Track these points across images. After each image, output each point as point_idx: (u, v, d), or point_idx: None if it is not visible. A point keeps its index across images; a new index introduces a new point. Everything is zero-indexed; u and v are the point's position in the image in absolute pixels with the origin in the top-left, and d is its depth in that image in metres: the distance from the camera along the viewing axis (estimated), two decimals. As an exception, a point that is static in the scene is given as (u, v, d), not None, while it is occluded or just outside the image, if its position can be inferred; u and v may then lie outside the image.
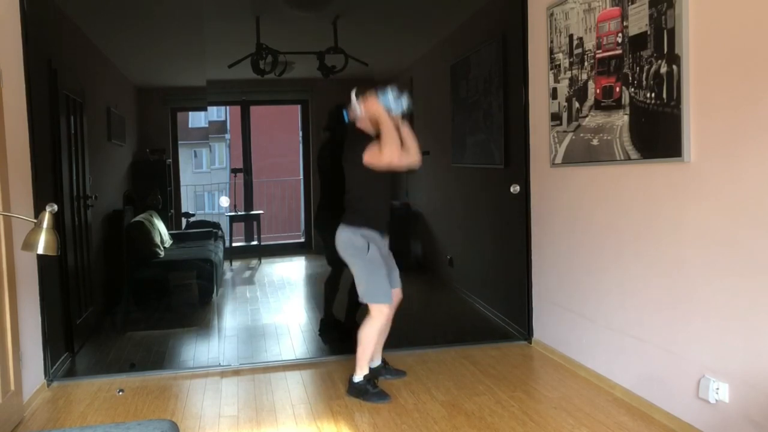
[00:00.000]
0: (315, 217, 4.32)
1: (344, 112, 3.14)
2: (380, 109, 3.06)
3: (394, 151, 3.02)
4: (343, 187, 3.26)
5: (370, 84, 3.20)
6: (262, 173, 4.43)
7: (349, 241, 3.13)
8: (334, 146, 3.64)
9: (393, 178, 3.31)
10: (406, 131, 3.24)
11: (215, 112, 4.25)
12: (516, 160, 3.99)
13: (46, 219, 1.97)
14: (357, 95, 3.16)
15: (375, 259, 3.11)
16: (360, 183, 3.18)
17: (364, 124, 3.16)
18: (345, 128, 3.35)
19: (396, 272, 3.31)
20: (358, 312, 3.54)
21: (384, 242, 3.25)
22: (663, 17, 2.68)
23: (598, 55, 3.17)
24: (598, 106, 3.18)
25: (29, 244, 1.95)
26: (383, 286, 3.11)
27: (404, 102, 3.13)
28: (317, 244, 4.38)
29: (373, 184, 3.17)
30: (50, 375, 3.49)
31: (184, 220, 4.28)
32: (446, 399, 3.13)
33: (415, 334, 4.20)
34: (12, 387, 2.88)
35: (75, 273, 3.79)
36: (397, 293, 3.29)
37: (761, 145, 2.26)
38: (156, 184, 4.18)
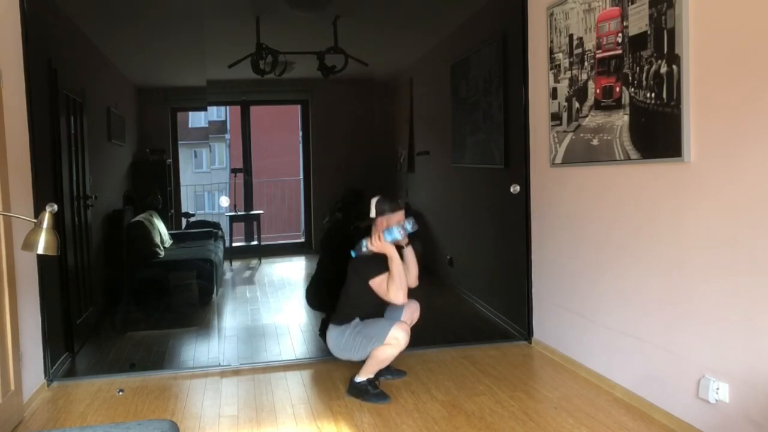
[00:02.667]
0: (307, 291, 4.38)
1: (352, 252, 3.18)
2: (388, 248, 3.08)
3: (400, 293, 3.06)
4: (342, 273, 3.29)
5: (390, 199, 3.22)
6: (262, 173, 4.42)
7: (338, 338, 3.18)
8: (344, 233, 3.70)
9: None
10: (410, 253, 3.31)
11: (215, 112, 4.25)
12: (516, 160, 3.99)
13: (46, 219, 1.97)
14: (377, 208, 3.18)
15: (368, 324, 3.14)
16: (358, 294, 3.20)
17: (376, 246, 3.13)
18: (357, 215, 3.41)
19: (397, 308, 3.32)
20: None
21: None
22: (663, 17, 2.68)
23: (598, 55, 3.17)
24: (598, 106, 3.18)
25: (29, 244, 1.95)
26: (381, 325, 3.11)
27: (409, 225, 3.16)
28: (317, 244, 4.38)
29: (370, 301, 3.18)
30: (50, 375, 3.49)
31: (184, 220, 4.28)
32: (446, 399, 3.13)
33: (415, 334, 4.18)
34: (12, 387, 2.88)
35: (75, 273, 3.79)
36: (408, 312, 3.32)
37: (761, 145, 2.26)
38: (156, 184, 4.18)
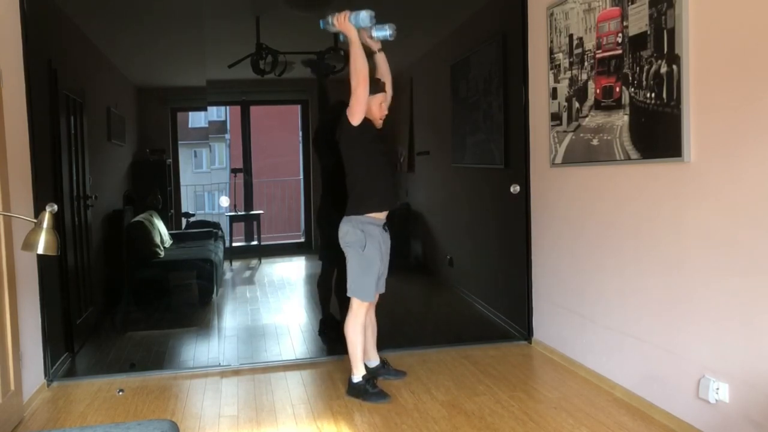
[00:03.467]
0: (317, 212, 4.32)
1: (321, 22, 3.11)
2: (350, 28, 3.02)
3: (360, 77, 2.97)
4: (342, 181, 3.26)
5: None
6: (262, 173, 4.42)
7: (348, 233, 3.15)
8: (331, 135, 3.65)
9: (393, 178, 3.31)
10: (382, 59, 3.23)
11: (215, 112, 4.25)
12: (516, 160, 3.99)
13: (46, 219, 1.97)
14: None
15: (369, 259, 3.13)
16: (357, 163, 3.17)
17: (340, 24, 3.10)
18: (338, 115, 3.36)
19: (384, 276, 3.32)
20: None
21: (385, 238, 3.24)
22: (663, 17, 2.68)
23: (598, 55, 3.17)
24: (598, 106, 3.18)
25: (29, 244, 1.95)
26: (369, 286, 3.15)
27: (388, 30, 3.09)
28: (317, 244, 4.38)
29: (370, 162, 3.16)
30: (50, 375, 3.49)
31: (184, 220, 4.28)
32: (446, 399, 3.13)
33: (415, 334, 4.20)
34: (12, 387, 2.88)
35: (75, 273, 3.79)
36: (376, 296, 3.32)
37: (761, 145, 2.26)
38: (156, 184, 4.17)
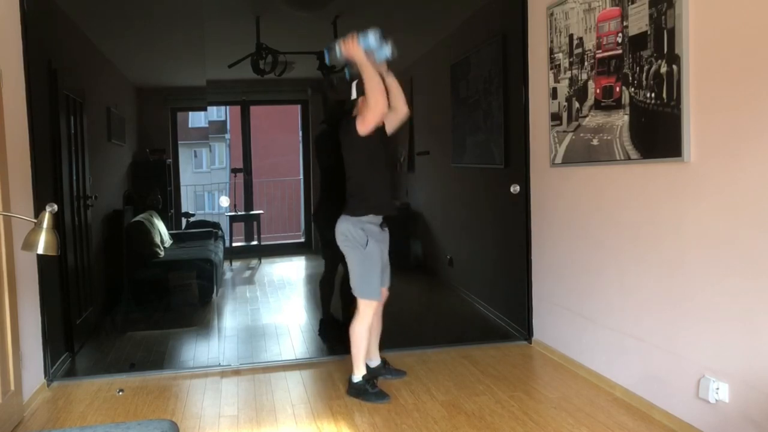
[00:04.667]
0: (315, 212, 4.32)
1: (326, 53, 3.02)
2: (360, 53, 2.95)
3: (379, 96, 2.92)
4: (342, 182, 3.26)
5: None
6: (262, 173, 4.42)
7: (348, 232, 3.13)
8: (332, 138, 3.64)
9: (393, 176, 3.31)
10: (392, 80, 3.17)
11: (215, 112, 4.25)
12: (516, 160, 3.99)
13: (46, 219, 1.97)
14: (357, 88, 3.11)
15: (371, 256, 3.12)
16: (360, 167, 3.16)
17: (348, 50, 3.03)
18: (341, 117, 3.35)
19: (388, 271, 3.31)
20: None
21: (384, 236, 3.24)
22: (663, 17, 2.68)
23: (598, 55, 3.17)
24: (598, 106, 3.18)
25: (29, 244, 1.95)
26: (374, 284, 3.14)
27: (388, 49, 3.01)
28: (317, 244, 4.38)
29: (373, 167, 3.15)
30: (50, 375, 3.49)
31: (184, 220, 4.27)
32: (446, 399, 3.13)
33: (415, 334, 4.20)
34: (12, 387, 2.88)
35: (75, 273, 3.79)
36: (384, 292, 3.32)
37: (761, 145, 2.26)
38: (156, 184, 4.17)
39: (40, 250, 1.95)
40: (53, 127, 3.58)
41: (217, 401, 3.22)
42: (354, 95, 3.14)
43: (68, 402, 3.24)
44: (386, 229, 3.26)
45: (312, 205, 4.34)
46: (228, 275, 4.39)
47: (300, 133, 4.46)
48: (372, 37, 2.96)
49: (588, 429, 2.75)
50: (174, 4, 3.94)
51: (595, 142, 3.21)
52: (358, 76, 3.09)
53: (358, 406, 3.08)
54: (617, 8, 3.00)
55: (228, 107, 4.36)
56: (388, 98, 3.07)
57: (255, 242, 4.50)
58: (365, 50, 2.97)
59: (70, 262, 3.71)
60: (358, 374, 3.18)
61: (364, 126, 3.04)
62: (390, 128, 3.29)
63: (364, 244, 3.10)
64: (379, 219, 3.20)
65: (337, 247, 3.22)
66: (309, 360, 3.82)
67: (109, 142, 4.05)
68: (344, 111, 3.26)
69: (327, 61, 3.04)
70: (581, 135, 3.33)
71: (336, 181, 3.36)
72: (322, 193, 4.16)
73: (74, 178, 3.77)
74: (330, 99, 3.34)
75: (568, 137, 3.45)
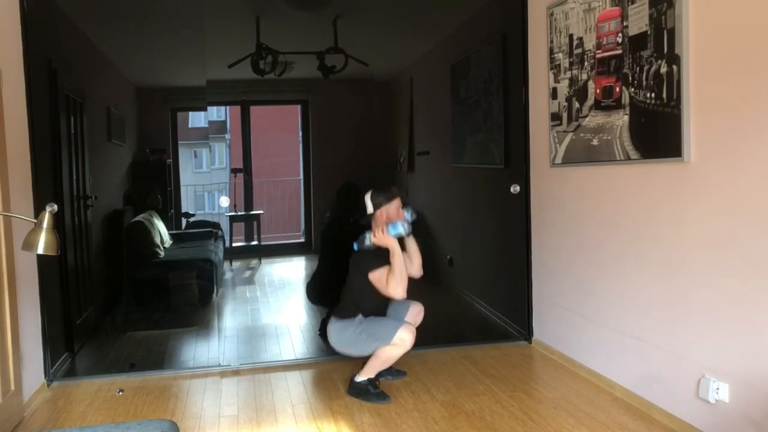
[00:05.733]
0: (308, 286, 4.38)
1: (355, 245, 3.15)
2: (391, 242, 3.06)
3: (399, 287, 3.03)
4: (342, 268, 3.28)
5: (383, 188, 3.20)
6: (262, 173, 4.42)
7: (341, 333, 3.17)
8: (341, 230, 3.71)
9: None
10: (412, 244, 3.27)
11: (215, 112, 4.25)
12: (516, 160, 3.99)
13: (46, 219, 1.97)
14: (372, 201, 3.16)
15: (369, 319, 3.14)
16: (359, 289, 3.18)
17: (379, 240, 3.09)
18: (354, 211, 3.39)
19: (402, 301, 3.30)
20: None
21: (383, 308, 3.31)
22: (663, 17, 2.68)
23: (598, 55, 3.17)
24: (598, 106, 3.19)
25: (29, 244, 1.96)
26: (387, 326, 3.10)
27: (408, 214, 3.15)
28: (317, 244, 4.38)
29: (371, 296, 3.16)
30: (50, 375, 3.49)
31: (184, 220, 4.28)
32: (446, 399, 3.13)
33: (416, 334, 4.19)
34: (12, 387, 2.88)
35: (75, 273, 3.79)
36: (412, 313, 3.31)
37: (761, 145, 2.26)
38: (156, 184, 4.18)
39: (40, 250, 1.95)
40: (53, 127, 3.58)
41: (217, 401, 3.22)
42: (370, 210, 3.18)
43: (68, 402, 3.24)
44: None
45: (312, 207, 4.35)
46: (228, 275, 4.40)
47: (300, 133, 4.46)
48: (401, 226, 3.08)
49: (588, 429, 2.75)
50: (174, 4, 3.94)
51: (595, 142, 3.21)
52: (366, 250, 3.15)
53: (358, 406, 3.08)
54: (617, 8, 3.00)
55: (228, 107, 4.37)
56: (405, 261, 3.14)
57: (255, 242, 4.50)
58: (397, 236, 3.08)
59: (70, 262, 3.71)
60: (364, 377, 3.17)
61: (374, 284, 3.10)
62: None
63: (353, 322, 3.13)
64: None
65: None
66: (309, 360, 3.82)
67: (109, 142, 4.05)
68: (363, 224, 3.28)
69: (356, 249, 3.14)
70: (581, 135, 3.33)
71: (336, 265, 3.38)
72: (319, 269, 4.25)
73: (74, 178, 3.77)
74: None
75: (568, 137, 3.45)
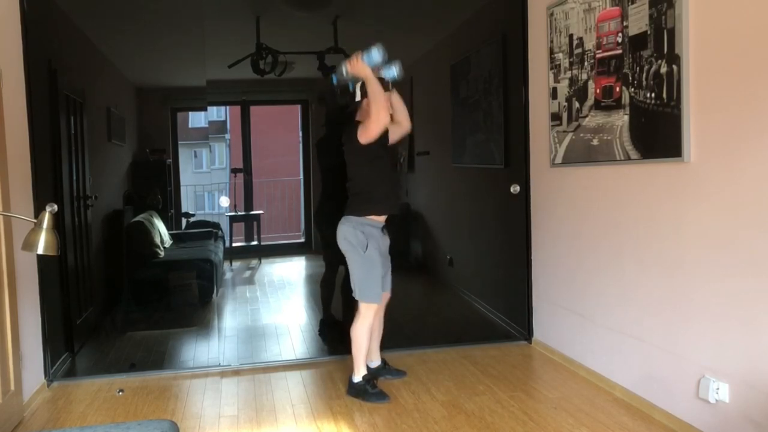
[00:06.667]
0: (315, 214, 4.32)
1: (333, 77, 3.11)
2: (366, 69, 3.02)
3: (382, 110, 2.99)
4: (343, 184, 3.26)
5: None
6: (262, 173, 4.42)
7: (349, 234, 3.14)
8: (334, 140, 3.65)
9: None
10: (396, 98, 3.24)
11: (215, 112, 4.25)
12: (516, 160, 3.99)
13: (46, 219, 1.97)
14: (361, 90, 3.15)
15: (372, 259, 3.12)
16: (362, 171, 3.17)
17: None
18: (344, 121, 3.36)
19: (389, 276, 3.33)
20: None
21: (384, 240, 3.26)
22: (663, 17, 2.68)
23: (598, 55, 3.17)
24: (598, 106, 3.18)
25: (29, 244, 1.96)
26: (375, 287, 3.14)
27: (395, 70, 3.10)
28: (317, 244, 4.38)
29: (375, 170, 3.16)
30: (50, 375, 3.49)
31: (184, 220, 4.27)
32: (446, 399, 3.13)
33: (415, 334, 4.20)
34: (12, 387, 2.88)
35: (75, 273, 3.79)
36: (386, 295, 3.32)
37: (761, 145, 2.26)
38: (156, 184, 4.17)
39: (40, 250, 1.95)
40: (53, 127, 3.58)
41: (217, 401, 3.22)
42: (358, 97, 3.16)
43: (68, 402, 3.24)
44: (387, 235, 3.28)
45: (313, 206, 4.34)
46: (228, 275, 4.39)
47: (300, 133, 4.46)
48: (376, 53, 3.03)
49: (588, 429, 2.75)
50: (174, 4, 3.94)
51: (595, 142, 3.21)
52: (345, 83, 3.15)
53: (358, 406, 3.08)
54: (617, 8, 3.00)
55: (228, 107, 4.36)
56: (392, 114, 3.14)
57: (255, 242, 4.50)
58: (372, 65, 3.04)
59: (70, 262, 3.71)
60: (359, 375, 3.18)
61: (366, 137, 3.07)
62: (392, 139, 3.32)
63: (364, 247, 3.11)
64: (380, 223, 3.20)
65: (337, 248, 3.23)
66: (309, 360, 3.82)
67: (109, 142, 4.05)
68: (348, 113, 3.27)
69: (334, 82, 3.11)
70: (581, 135, 3.33)
71: (338, 183, 3.37)
72: (324, 194, 4.17)
73: (74, 178, 3.77)
74: (331, 102, 3.38)
75: (568, 137, 3.45)
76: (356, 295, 3.16)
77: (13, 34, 3.25)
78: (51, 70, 3.59)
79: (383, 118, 3.01)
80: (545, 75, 3.68)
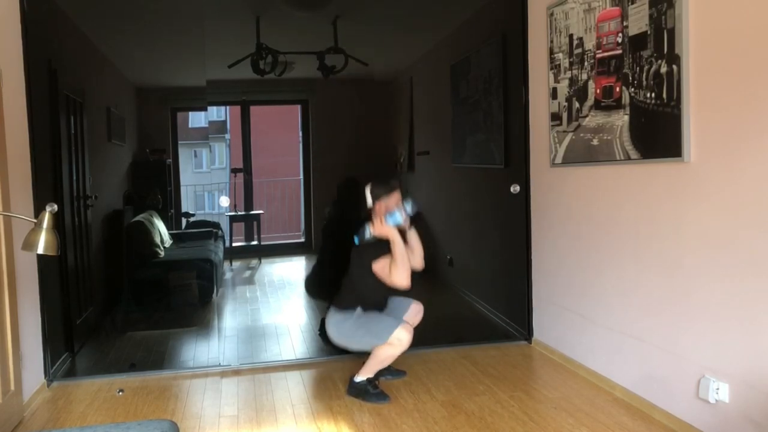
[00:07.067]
0: (307, 279, 4.38)
1: (355, 238, 3.14)
2: (390, 231, 3.05)
3: (403, 275, 3.02)
4: (343, 262, 3.28)
5: (384, 183, 3.20)
6: (262, 173, 4.42)
7: (339, 325, 3.17)
8: (342, 224, 3.70)
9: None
10: (414, 237, 3.27)
11: (215, 112, 4.25)
12: (516, 160, 3.99)
13: (46, 219, 1.97)
14: (372, 194, 3.16)
15: (367, 313, 3.15)
16: (361, 281, 3.19)
17: (379, 230, 3.09)
18: (354, 205, 3.38)
19: (402, 300, 3.32)
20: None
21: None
22: (663, 17, 2.68)
23: (598, 55, 3.17)
24: (598, 106, 3.18)
25: (29, 244, 1.96)
26: (385, 323, 3.09)
27: (409, 206, 3.15)
28: (317, 243, 4.38)
29: (377, 284, 3.15)
30: (50, 375, 3.49)
31: (184, 220, 4.28)
32: (446, 399, 3.13)
33: (416, 334, 4.19)
34: (12, 387, 2.88)
35: (75, 273, 3.79)
36: (412, 313, 3.32)
37: (761, 145, 2.26)
38: (156, 184, 4.18)
39: (40, 250, 1.95)
40: (53, 127, 3.58)
41: (217, 401, 3.22)
42: (370, 202, 3.18)
43: (68, 402, 3.24)
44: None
45: (312, 209, 4.34)
46: (228, 275, 4.39)
47: (300, 133, 4.46)
48: (398, 216, 3.08)
49: (588, 429, 2.75)
50: (174, 4, 3.94)
51: (595, 142, 3.21)
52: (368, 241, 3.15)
53: (358, 406, 3.08)
54: (617, 8, 3.00)
55: (228, 107, 4.37)
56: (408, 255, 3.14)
57: (255, 242, 4.50)
58: (396, 225, 3.08)
59: (70, 262, 3.71)
60: (363, 377, 3.17)
61: (377, 274, 3.10)
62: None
63: (352, 315, 3.13)
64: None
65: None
66: (309, 360, 3.82)
67: (109, 142, 4.05)
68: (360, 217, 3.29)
69: (356, 242, 3.14)
70: (581, 135, 3.33)
71: (337, 260, 3.38)
72: (318, 263, 4.28)
73: (74, 178, 3.77)
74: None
75: (568, 137, 3.45)
76: (381, 342, 3.08)
77: (13, 34, 3.25)
78: (51, 70, 3.59)
79: (403, 280, 3.03)
80: (545, 75, 3.68)
